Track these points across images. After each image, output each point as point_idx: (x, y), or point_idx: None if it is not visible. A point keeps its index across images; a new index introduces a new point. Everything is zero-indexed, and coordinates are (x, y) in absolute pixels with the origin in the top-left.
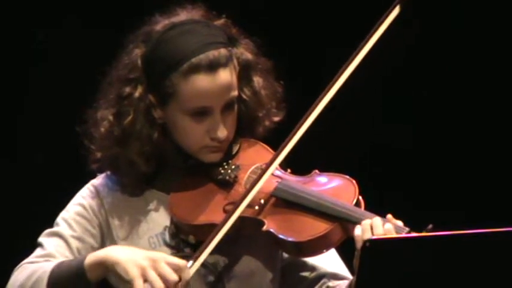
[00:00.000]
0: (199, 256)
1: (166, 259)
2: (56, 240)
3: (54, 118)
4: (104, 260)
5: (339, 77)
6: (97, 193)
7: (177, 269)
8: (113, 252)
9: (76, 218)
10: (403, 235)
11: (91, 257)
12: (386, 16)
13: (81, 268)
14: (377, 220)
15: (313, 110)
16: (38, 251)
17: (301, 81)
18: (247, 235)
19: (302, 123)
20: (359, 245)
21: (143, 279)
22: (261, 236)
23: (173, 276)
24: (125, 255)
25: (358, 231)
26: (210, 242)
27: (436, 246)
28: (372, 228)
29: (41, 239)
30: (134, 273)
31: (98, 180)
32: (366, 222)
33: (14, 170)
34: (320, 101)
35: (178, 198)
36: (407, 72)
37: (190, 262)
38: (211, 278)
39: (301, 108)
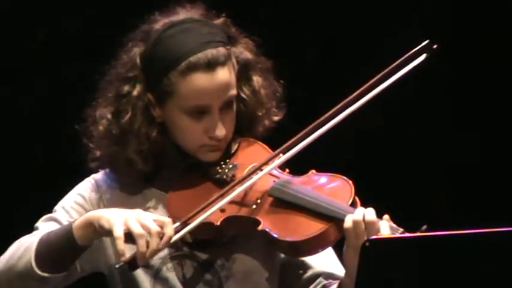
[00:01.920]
0: (188, 220)
1: (151, 215)
2: (52, 224)
3: (53, 116)
4: (90, 217)
5: (356, 101)
6: (97, 187)
7: (160, 224)
8: (101, 210)
9: (74, 206)
10: (403, 235)
11: (80, 218)
12: (409, 60)
13: (69, 230)
14: (371, 209)
15: (326, 123)
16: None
17: (302, 81)
18: (244, 234)
19: (312, 132)
20: (347, 225)
21: (125, 227)
22: (258, 236)
23: (154, 226)
24: (110, 210)
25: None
26: (201, 211)
27: (435, 246)
28: (364, 215)
29: (38, 223)
30: (116, 220)
31: (99, 175)
32: (360, 208)
33: (14, 168)
34: (334, 116)
35: (176, 197)
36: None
37: (177, 223)
38: (208, 277)
39: (302, 108)
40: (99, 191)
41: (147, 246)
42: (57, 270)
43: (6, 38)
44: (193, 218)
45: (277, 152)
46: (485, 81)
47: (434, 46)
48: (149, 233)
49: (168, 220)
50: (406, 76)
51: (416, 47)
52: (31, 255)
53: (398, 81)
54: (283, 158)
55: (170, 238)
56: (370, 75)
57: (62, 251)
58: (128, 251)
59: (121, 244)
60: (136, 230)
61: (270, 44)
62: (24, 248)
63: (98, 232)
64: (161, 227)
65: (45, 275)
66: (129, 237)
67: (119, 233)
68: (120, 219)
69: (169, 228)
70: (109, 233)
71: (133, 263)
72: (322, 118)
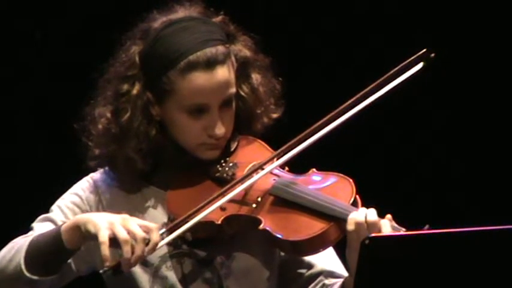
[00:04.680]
0: (175, 227)
1: (137, 220)
2: (47, 225)
3: (52, 115)
4: (77, 220)
5: (354, 106)
6: (96, 188)
7: (146, 230)
8: (89, 214)
9: (70, 206)
10: (403, 233)
11: (68, 221)
12: (407, 69)
13: (58, 232)
14: (372, 209)
15: (329, 123)
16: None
17: (303, 79)
18: (243, 232)
19: (314, 133)
20: (350, 227)
21: (110, 232)
22: (257, 234)
23: (140, 232)
24: (98, 215)
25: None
26: (188, 218)
27: (434, 244)
28: (366, 215)
29: (33, 224)
30: (101, 225)
31: (98, 175)
32: (362, 209)
33: (14, 166)
34: (337, 117)
35: (176, 195)
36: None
37: (163, 229)
38: (208, 275)
39: (303, 106)
40: (98, 192)
41: (133, 253)
42: (47, 272)
43: (4, 37)
44: (187, 220)
45: (278, 151)
46: (483, 82)
47: (432, 55)
48: (134, 238)
49: (154, 226)
50: (402, 84)
51: (414, 55)
52: (21, 258)
53: (394, 89)
54: (284, 157)
55: (156, 244)
56: (371, 76)
57: (50, 253)
58: (113, 255)
59: (105, 249)
60: (122, 235)
61: (269, 41)
62: (15, 250)
63: (85, 236)
64: (147, 232)
65: (34, 277)
66: (115, 242)
67: (103, 238)
68: (105, 223)
69: (155, 234)
70: (95, 237)
71: (117, 269)
72: (321, 121)
